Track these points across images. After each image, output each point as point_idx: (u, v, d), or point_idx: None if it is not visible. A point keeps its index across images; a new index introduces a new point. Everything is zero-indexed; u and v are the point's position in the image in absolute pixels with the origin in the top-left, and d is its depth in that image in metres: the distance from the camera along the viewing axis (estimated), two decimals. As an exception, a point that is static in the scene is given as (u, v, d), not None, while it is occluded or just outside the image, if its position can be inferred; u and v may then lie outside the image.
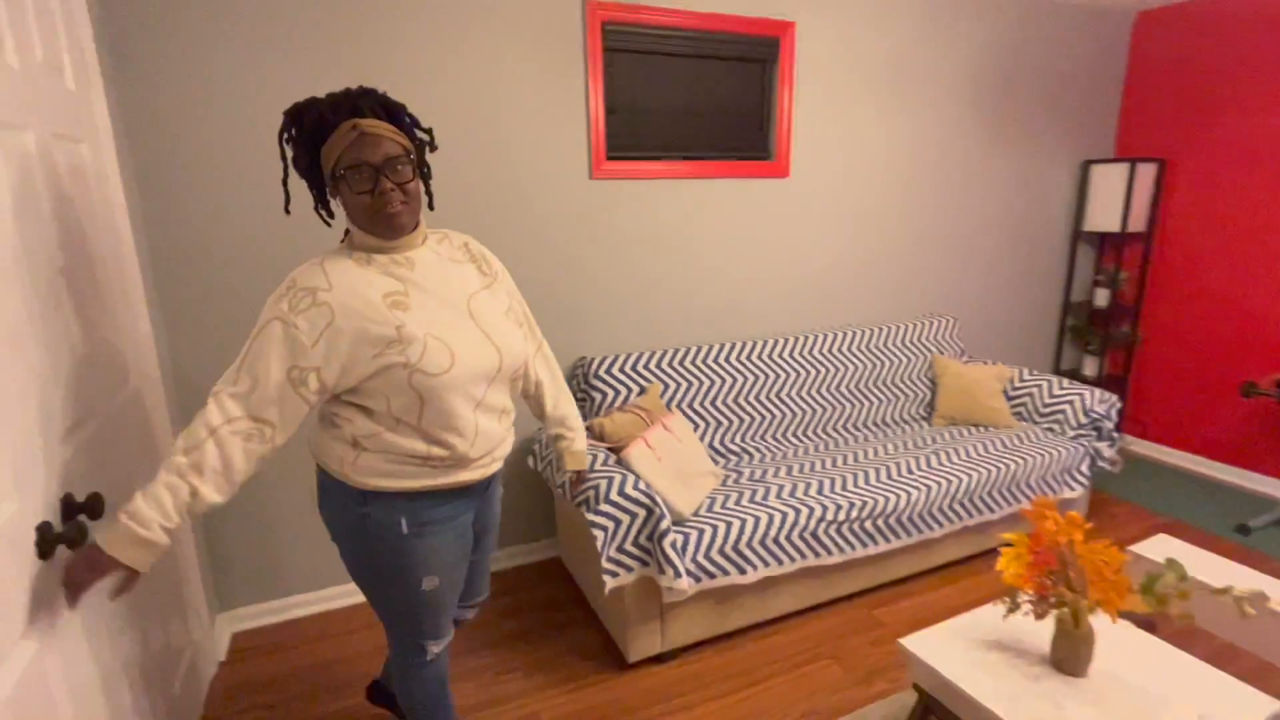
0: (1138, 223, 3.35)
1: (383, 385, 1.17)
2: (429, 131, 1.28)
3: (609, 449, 2.12)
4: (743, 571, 2.01)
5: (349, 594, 2.37)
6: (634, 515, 1.85)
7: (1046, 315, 3.66)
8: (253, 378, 1.11)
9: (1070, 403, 2.72)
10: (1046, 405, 2.80)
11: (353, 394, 1.20)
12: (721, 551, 1.97)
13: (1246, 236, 3.08)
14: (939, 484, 2.30)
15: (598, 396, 2.40)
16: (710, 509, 2.07)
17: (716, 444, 2.54)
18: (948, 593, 2.36)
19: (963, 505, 2.38)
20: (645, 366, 2.48)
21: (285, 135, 1.20)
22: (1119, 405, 2.71)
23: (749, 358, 2.69)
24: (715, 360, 2.60)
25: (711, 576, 1.96)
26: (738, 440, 2.58)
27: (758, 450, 2.60)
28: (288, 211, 1.24)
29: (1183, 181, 3.30)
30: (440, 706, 1.48)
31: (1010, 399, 2.92)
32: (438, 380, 1.17)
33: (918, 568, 2.44)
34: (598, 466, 1.96)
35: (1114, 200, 3.34)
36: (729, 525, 1.99)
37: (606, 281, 2.53)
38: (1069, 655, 1.46)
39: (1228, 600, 1.35)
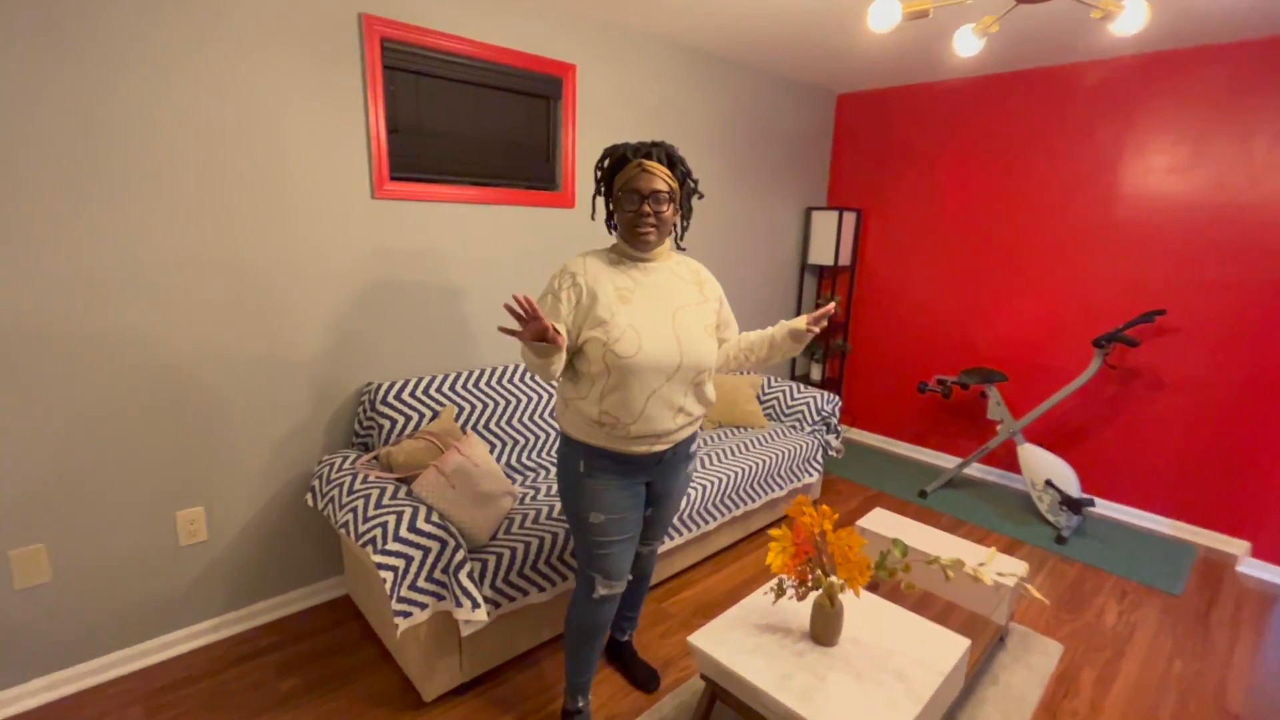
0: (845, 257, 3.89)
1: (589, 351, 1.43)
2: (696, 182, 1.54)
3: (398, 480, 1.86)
4: (541, 589, 1.88)
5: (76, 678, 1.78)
6: (426, 550, 1.63)
7: (784, 331, 4.08)
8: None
9: (806, 404, 3.04)
10: (789, 407, 3.09)
11: (576, 355, 1.48)
12: (520, 572, 1.82)
13: (924, 267, 3.72)
14: (715, 481, 2.40)
15: (386, 424, 2.10)
16: (508, 530, 1.91)
17: (514, 462, 2.38)
18: (722, 577, 2.47)
19: (732, 499, 2.51)
20: (437, 390, 2.24)
21: (599, 166, 1.51)
22: (840, 403, 3.09)
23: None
24: (509, 381, 2.44)
25: (511, 599, 1.81)
26: (534, 457, 2.44)
27: (555, 465, 2.49)
28: (593, 218, 1.63)
29: (876, 224, 3.90)
30: (588, 642, 1.64)
31: (762, 403, 3.18)
32: (623, 362, 1.40)
33: (695, 559, 2.52)
34: (386, 500, 1.69)
35: (828, 239, 3.83)
36: (526, 545, 1.85)
37: (393, 304, 2.24)
38: (825, 629, 1.57)
39: (936, 568, 1.54)
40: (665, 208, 1.44)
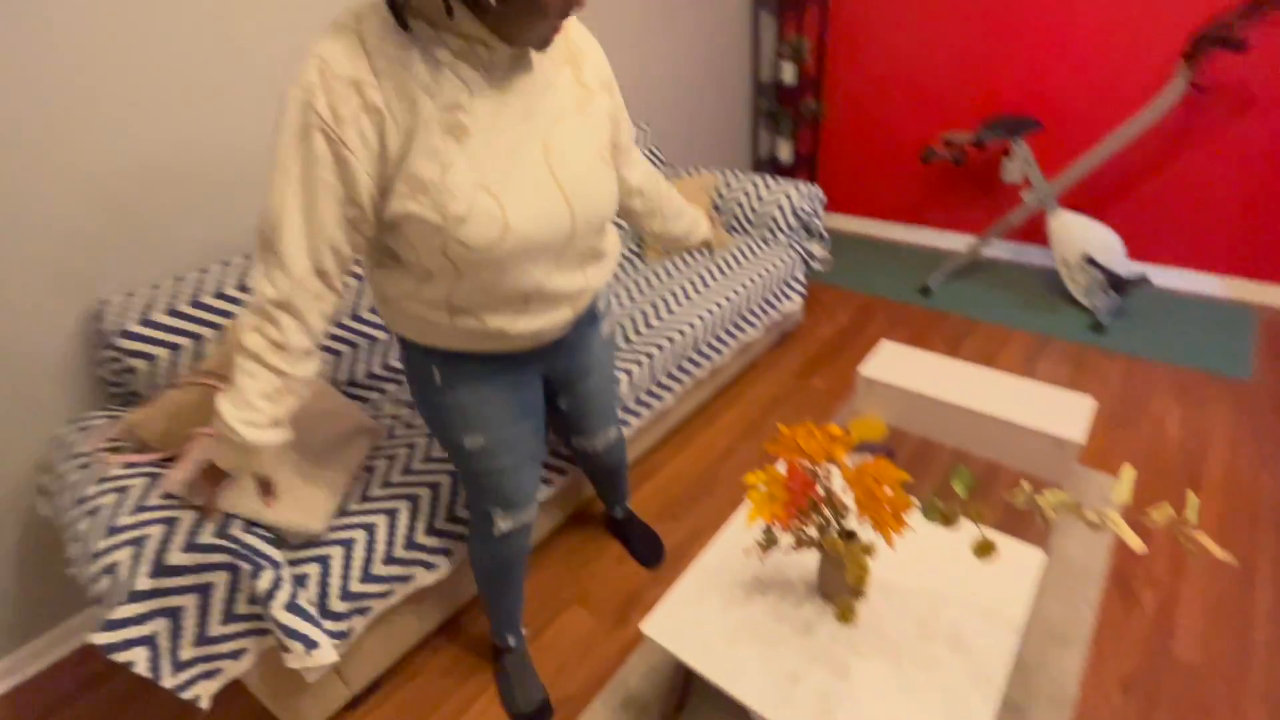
0: (814, -23, 2.78)
1: (412, 235, 0.81)
2: None
3: (160, 463, 1.17)
4: (431, 567, 1.32)
5: None
6: (205, 590, 1.01)
7: (738, 101, 3.11)
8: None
9: (779, 205, 2.26)
10: (756, 212, 2.32)
11: (388, 233, 0.83)
12: (391, 559, 1.24)
13: (913, -18, 2.66)
14: (666, 343, 1.75)
15: (141, 367, 1.34)
16: (366, 494, 1.29)
17: (361, 377, 1.67)
18: (690, 457, 1.94)
19: (692, 359, 1.88)
20: (210, 298, 1.44)
21: None
22: (822, 198, 2.32)
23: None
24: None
25: (385, 595, 1.24)
26: (395, 360, 1.73)
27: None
28: None
29: (852, -80, 2.73)
30: (501, 582, 1.26)
31: (720, 211, 2.40)
32: (479, 256, 0.82)
33: (654, 440, 1.98)
34: (124, 517, 1.03)
35: (790, -49, 2.69)
36: (393, 516, 1.25)
37: (107, 177, 1.33)
38: (840, 587, 1.04)
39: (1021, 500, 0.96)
40: None
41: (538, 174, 0.84)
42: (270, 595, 1.04)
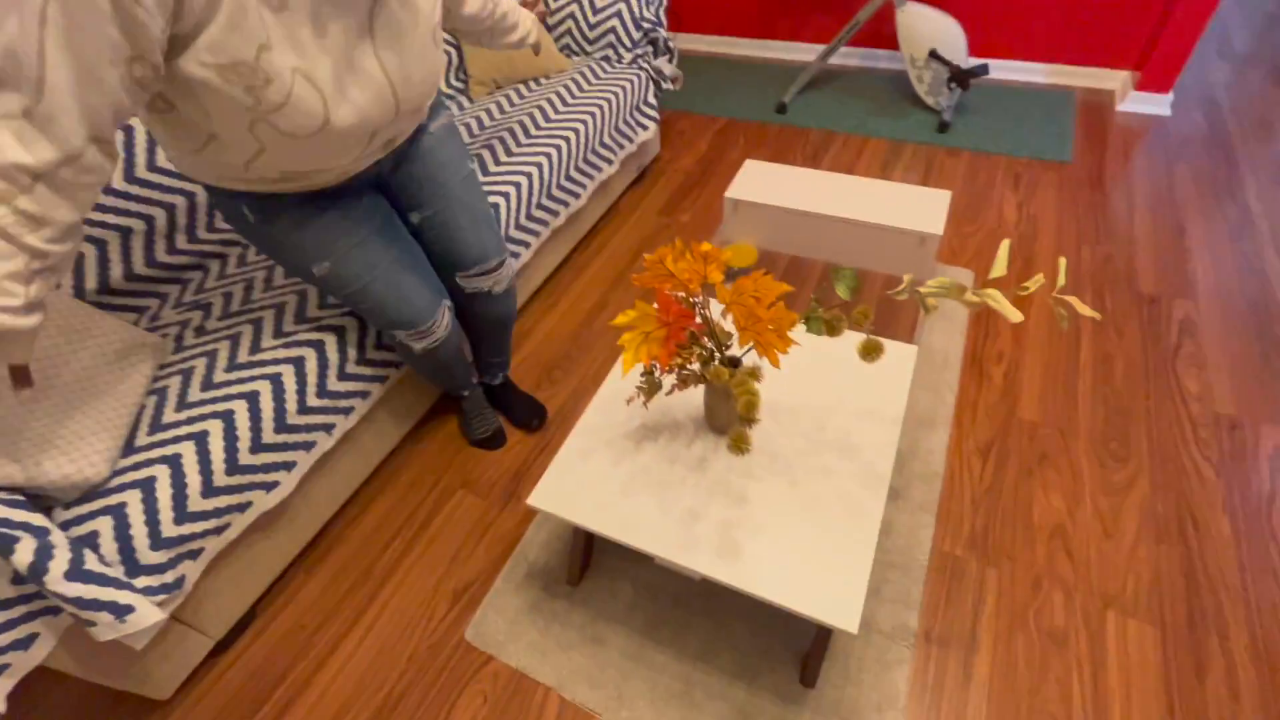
0: None
1: (210, 104, 0.72)
2: None
3: None
4: (269, 488, 1.11)
5: None
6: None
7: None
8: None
9: (618, 15, 1.96)
10: (593, 27, 2.00)
11: (170, 86, 0.71)
12: (211, 489, 1.02)
13: None
14: (513, 189, 1.51)
15: None
16: (161, 421, 1.03)
17: (118, 281, 1.29)
18: (561, 315, 1.79)
19: (543, 208, 1.66)
20: None
21: None
22: (665, 2, 2.04)
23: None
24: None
25: (198, 552, 1.04)
26: (165, 254, 1.36)
27: (208, 251, 1.44)
28: None
29: None
30: (444, 372, 1.28)
31: (552, 30, 2.04)
32: (296, 141, 0.79)
33: (519, 300, 1.79)
34: None
35: None
36: (201, 440, 1.01)
37: None
38: (729, 417, 0.98)
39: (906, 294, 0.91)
40: None
41: (363, 61, 0.79)
42: (40, 568, 0.81)
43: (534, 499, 0.98)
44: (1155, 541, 1.18)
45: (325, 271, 1.03)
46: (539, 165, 1.59)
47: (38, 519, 0.83)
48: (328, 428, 1.20)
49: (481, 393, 1.49)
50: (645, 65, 2.01)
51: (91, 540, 0.90)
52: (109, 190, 1.23)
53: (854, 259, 1.52)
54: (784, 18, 2.83)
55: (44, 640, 0.87)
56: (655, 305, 0.82)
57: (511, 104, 1.83)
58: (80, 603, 0.83)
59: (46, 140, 0.62)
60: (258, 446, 1.07)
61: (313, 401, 1.15)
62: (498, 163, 1.58)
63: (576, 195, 1.77)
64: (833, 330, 0.85)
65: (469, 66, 1.91)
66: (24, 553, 0.80)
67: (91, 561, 0.86)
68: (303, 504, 1.25)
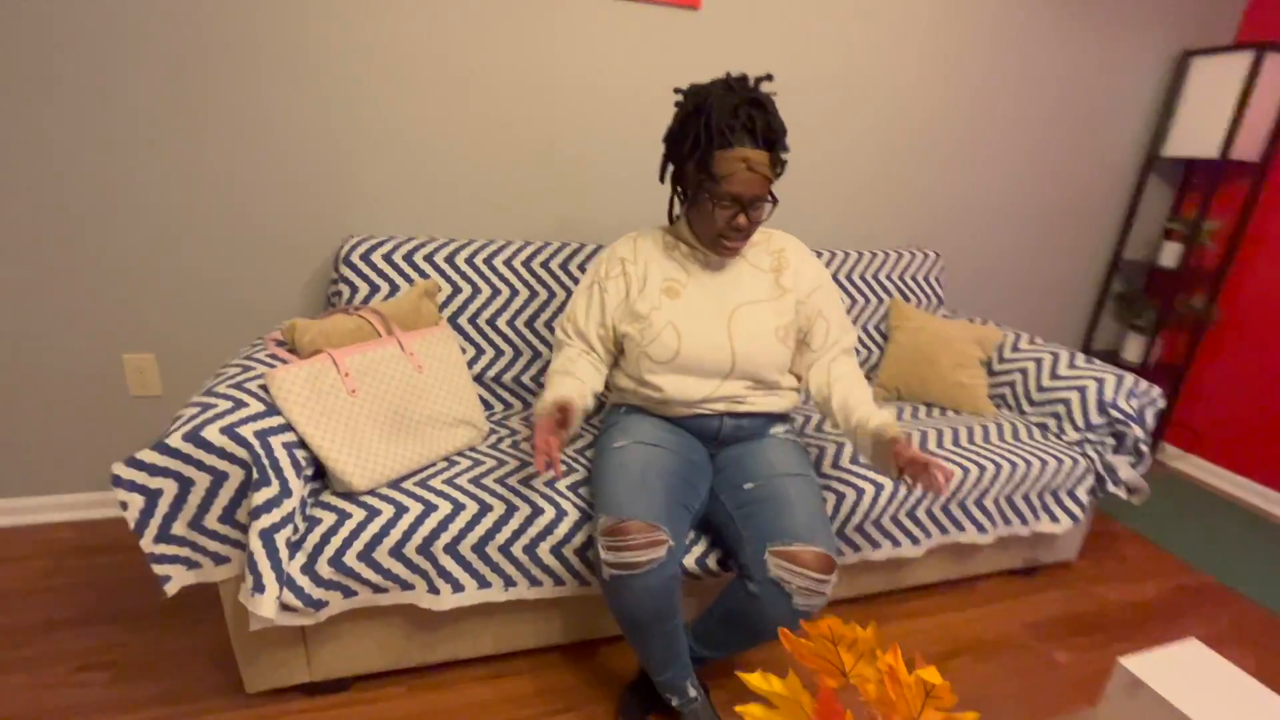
0: (1249, 147, 2.11)
1: (626, 347, 1.23)
2: (784, 162, 1.11)
3: (277, 360, 1.26)
4: (435, 590, 1.13)
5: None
6: (220, 477, 0.99)
7: (1083, 273, 2.47)
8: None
9: (1079, 390, 1.64)
10: (1042, 389, 1.72)
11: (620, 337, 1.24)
12: (400, 554, 1.10)
13: None
14: (830, 498, 1.34)
15: (345, 290, 1.52)
16: (425, 482, 1.20)
17: (504, 379, 1.60)
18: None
19: (848, 539, 1.40)
20: (428, 257, 1.56)
21: (680, 124, 1.11)
22: (1161, 404, 1.62)
23: (586, 265, 1.73)
24: (539, 265, 1.64)
25: (352, 593, 1.10)
26: (525, 379, 1.63)
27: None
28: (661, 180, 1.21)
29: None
30: (641, 632, 1.06)
31: (993, 374, 1.85)
32: (659, 367, 1.18)
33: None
34: (222, 388, 1.10)
35: (1218, 111, 2.09)
36: (428, 510, 1.12)
37: (398, 133, 1.61)
38: None
39: None
40: (763, 210, 1.11)
41: (716, 326, 1.17)
42: (258, 513, 0.99)
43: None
44: None
45: (622, 444, 1.17)
46: (878, 484, 1.38)
47: (296, 483, 1.03)
48: (509, 581, 1.18)
49: (707, 707, 1.14)
50: (1093, 454, 1.59)
51: (313, 524, 1.06)
52: (531, 325, 1.62)
53: None
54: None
55: (230, 567, 1.05)
56: (816, 701, 0.53)
57: (903, 416, 1.68)
58: (250, 557, 0.98)
59: (571, 330, 1.26)
60: (454, 549, 1.12)
61: (521, 552, 1.16)
62: (835, 466, 1.43)
63: (914, 540, 1.45)
64: None
65: (882, 367, 1.87)
66: (261, 495, 0.99)
67: (282, 534, 1.01)
68: (450, 629, 1.23)
